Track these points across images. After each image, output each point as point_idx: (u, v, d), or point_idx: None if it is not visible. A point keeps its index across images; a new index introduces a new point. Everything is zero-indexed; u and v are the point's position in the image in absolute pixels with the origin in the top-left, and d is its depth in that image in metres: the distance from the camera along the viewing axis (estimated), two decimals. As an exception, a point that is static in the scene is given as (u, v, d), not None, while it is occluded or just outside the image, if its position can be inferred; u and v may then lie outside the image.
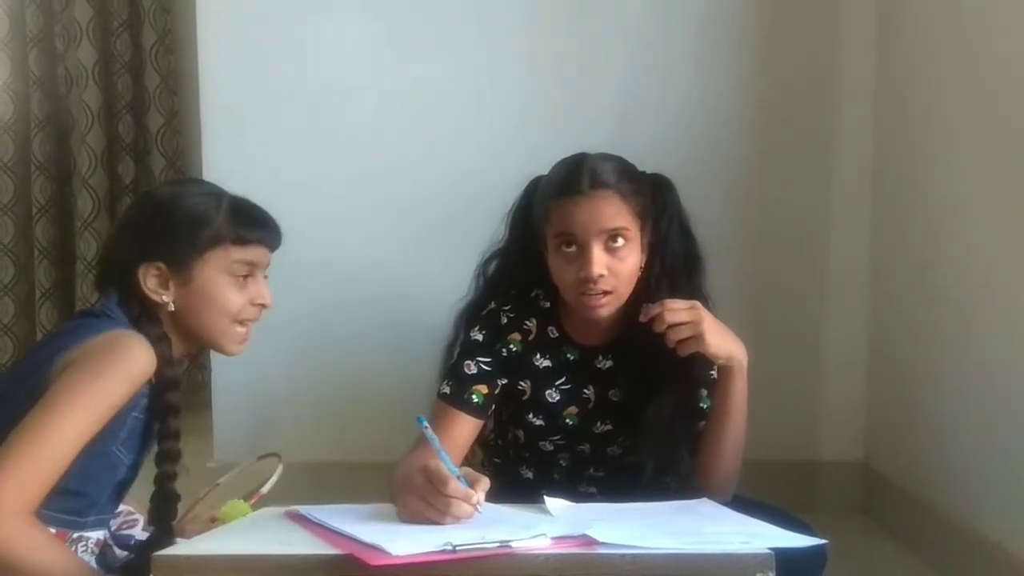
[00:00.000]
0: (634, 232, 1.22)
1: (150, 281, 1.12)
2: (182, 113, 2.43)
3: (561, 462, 1.35)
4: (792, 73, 1.86)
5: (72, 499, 1.06)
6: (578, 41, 1.84)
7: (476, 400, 1.27)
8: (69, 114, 2.45)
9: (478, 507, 0.97)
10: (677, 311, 1.18)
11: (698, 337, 1.17)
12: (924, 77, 1.68)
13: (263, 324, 1.98)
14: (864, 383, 1.89)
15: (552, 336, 1.31)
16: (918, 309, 1.69)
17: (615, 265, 1.21)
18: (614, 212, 1.20)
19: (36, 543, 0.98)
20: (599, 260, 1.19)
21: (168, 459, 1.13)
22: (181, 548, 0.95)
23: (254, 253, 1.15)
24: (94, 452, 1.04)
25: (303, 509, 1.03)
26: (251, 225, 1.15)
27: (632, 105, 1.84)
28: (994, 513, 1.44)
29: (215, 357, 1.89)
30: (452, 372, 1.29)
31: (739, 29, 1.84)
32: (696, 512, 1.05)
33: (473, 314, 1.33)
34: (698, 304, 1.20)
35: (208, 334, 1.15)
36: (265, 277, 1.19)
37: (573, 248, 1.22)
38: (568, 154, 1.36)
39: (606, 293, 1.21)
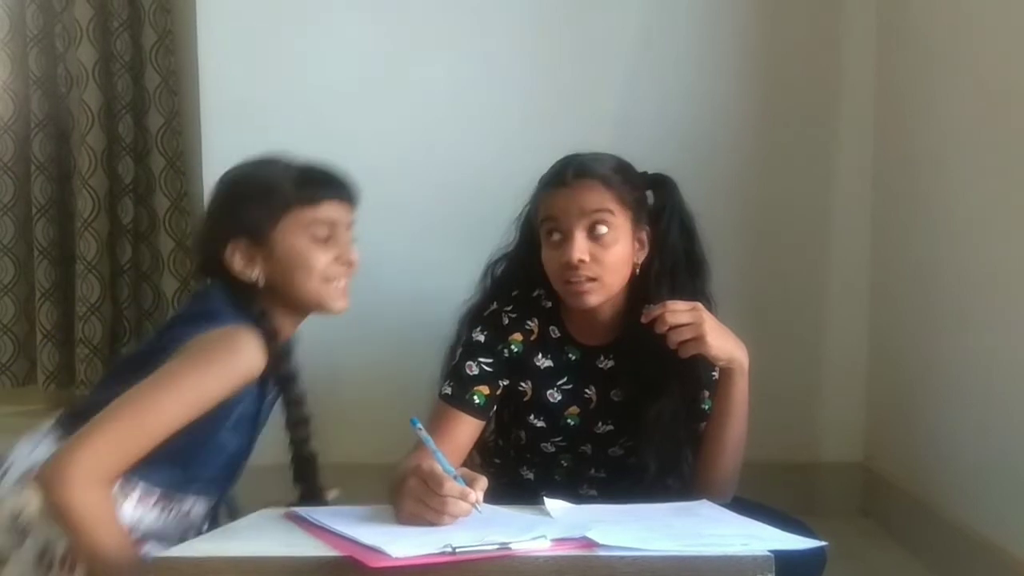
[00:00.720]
0: (620, 220, 1.23)
1: (237, 260, 1.14)
2: (182, 113, 2.42)
3: (563, 463, 1.35)
4: (793, 73, 1.86)
5: (173, 472, 1.10)
6: (579, 42, 1.84)
7: (478, 401, 1.27)
8: (69, 114, 2.44)
9: (477, 506, 0.97)
10: (678, 312, 1.18)
11: (699, 339, 1.17)
12: (925, 77, 1.68)
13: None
14: (864, 384, 1.89)
15: (554, 336, 1.31)
16: (918, 310, 1.69)
17: (598, 252, 1.21)
18: (596, 198, 1.22)
19: (96, 515, 1.01)
20: (580, 246, 1.21)
21: (298, 424, 1.21)
22: (182, 550, 0.95)
23: (328, 211, 1.16)
24: (197, 437, 1.08)
25: (303, 510, 1.03)
26: (317, 184, 1.16)
27: (633, 105, 1.84)
28: (994, 515, 1.44)
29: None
30: (453, 373, 1.29)
31: (740, 29, 1.84)
32: (696, 514, 1.05)
33: (476, 315, 1.33)
34: (699, 305, 1.20)
35: (305, 299, 1.17)
36: (351, 235, 1.21)
37: (557, 236, 1.23)
38: (570, 148, 1.36)
39: (590, 280, 1.22)
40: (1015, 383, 1.38)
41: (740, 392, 1.24)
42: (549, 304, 1.32)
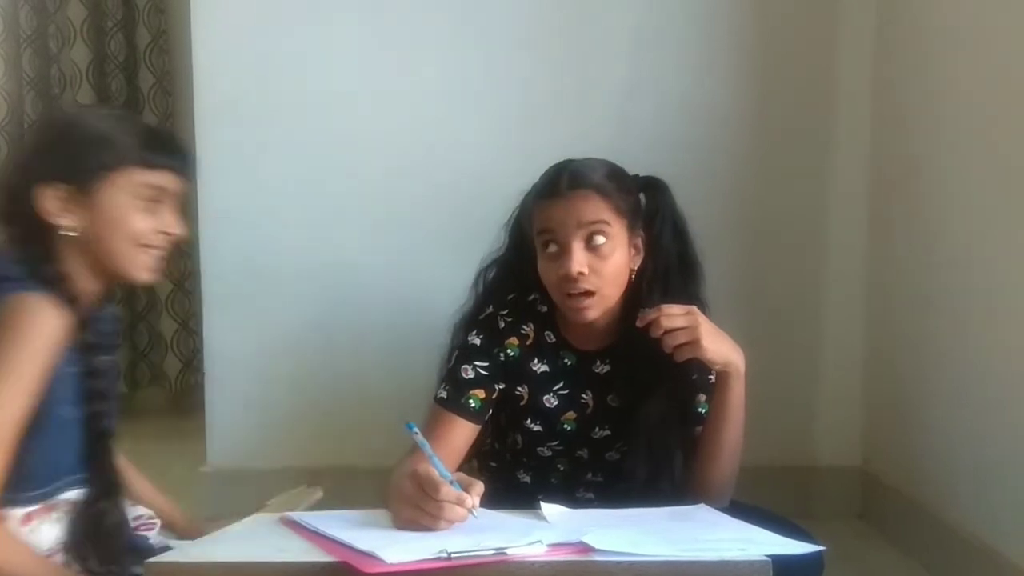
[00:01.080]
0: (616, 229, 1.21)
1: (49, 203, 1.05)
2: (176, 114, 2.42)
3: (559, 467, 1.35)
4: (790, 75, 1.86)
5: (34, 473, 1.02)
6: (576, 44, 1.84)
7: (473, 405, 1.26)
8: (63, 115, 2.44)
9: (473, 511, 0.96)
10: (674, 316, 1.17)
11: (695, 343, 1.16)
12: (922, 79, 1.68)
13: (260, 326, 1.98)
14: (861, 388, 1.89)
15: (550, 341, 1.31)
16: (916, 313, 1.69)
17: (596, 264, 1.20)
18: (592, 209, 1.20)
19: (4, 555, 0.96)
20: (578, 258, 1.19)
21: (91, 398, 1.06)
22: (175, 555, 0.94)
23: (162, 178, 1.10)
24: (36, 422, 1.00)
25: (298, 515, 1.02)
26: (161, 149, 1.10)
27: (630, 107, 1.84)
28: (992, 518, 1.43)
29: (209, 361, 1.88)
30: (449, 376, 1.28)
31: (737, 31, 1.84)
32: (693, 519, 1.04)
33: (471, 320, 1.33)
34: (695, 309, 1.19)
35: (113, 260, 1.09)
36: (175, 208, 1.13)
37: (554, 248, 1.22)
38: (565, 157, 1.36)
39: (589, 294, 1.20)
40: (1012, 387, 1.38)
41: (736, 396, 1.23)
42: (544, 309, 1.32)
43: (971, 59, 1.51)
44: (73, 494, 1.06)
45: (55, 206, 1.05)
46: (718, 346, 1.18)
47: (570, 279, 1.19)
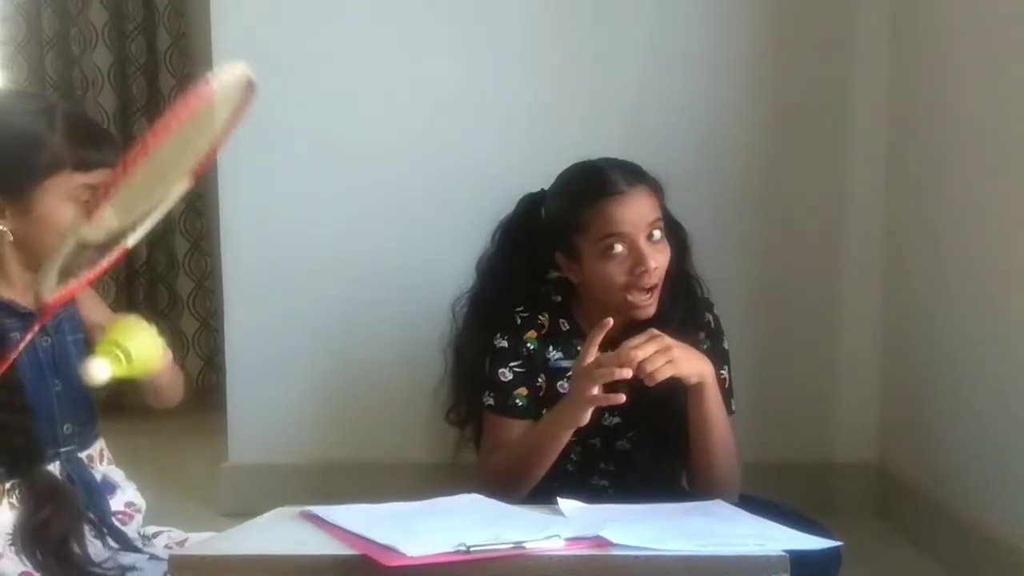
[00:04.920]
0: (663, 223, 1.28)
1: None
2: (196, 116, 2.44)
3: (572, 456, 1.36)
4: (805, 74, 1.85)
5: None
6: (589, 43, 1.84)
7: (520, 404, 1.31)
8: (85, 117, 2.47)
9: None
10: (643, 346, 1.16)
11: (672, 363, 1.17)
12: (938, 76, 1.67)
13: (281, 324, 2.00)
14: (879, 384, 1.88)
15: (564, 329, 1.34)
16: (933, 309, 1.68)
17: (660, 259, 1.25)
18: (651, 205, 1.26)
19: None
20: (652, 253, 1.23)
21: (1, 410, 1.02)
22: (197, 548, 0.95)
23: (97, 177, 1.05)
24: None
25: (318, 509, 1.03)
26: (94, 147, 1.06)
27: (643, 106, 1.84)
28: (1011, 516, 1.43)
29: (231, 358, 1.90)
30: (490, 383, 1.33)
31: (751, 29, 1.84)
32: (710, 514, 1.04)
33: (483, 317, 1.37)
34: (655, 331, 1.18)
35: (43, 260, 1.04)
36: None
37: (620, 248, 1.24)
38: (579, 156, 1.39)
39: (651, 290, 1.25)
40: (1032, 383, 1.37)
41: (714, 403, 1.25)
42: (559, 298, 1.35)
43: (987, 57, 1.50)
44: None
45: None
46: (689, 362, 1.20)
47: (648, 274, 1.23)
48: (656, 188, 1.29)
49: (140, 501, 1.20)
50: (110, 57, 2.40)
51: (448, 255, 1.85)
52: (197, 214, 2.44)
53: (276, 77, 1.87)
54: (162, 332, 1.24)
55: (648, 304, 1.25)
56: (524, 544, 0.88)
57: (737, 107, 1.84)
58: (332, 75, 1.86)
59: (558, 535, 0.90)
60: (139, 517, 1.19)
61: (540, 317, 1.33)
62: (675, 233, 1.34)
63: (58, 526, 1.02)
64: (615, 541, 0.89)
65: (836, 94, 1.85)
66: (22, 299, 1.08)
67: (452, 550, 0.86)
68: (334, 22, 1.86)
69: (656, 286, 1.25)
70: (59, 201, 1.04)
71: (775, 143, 1.85)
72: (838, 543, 0.96)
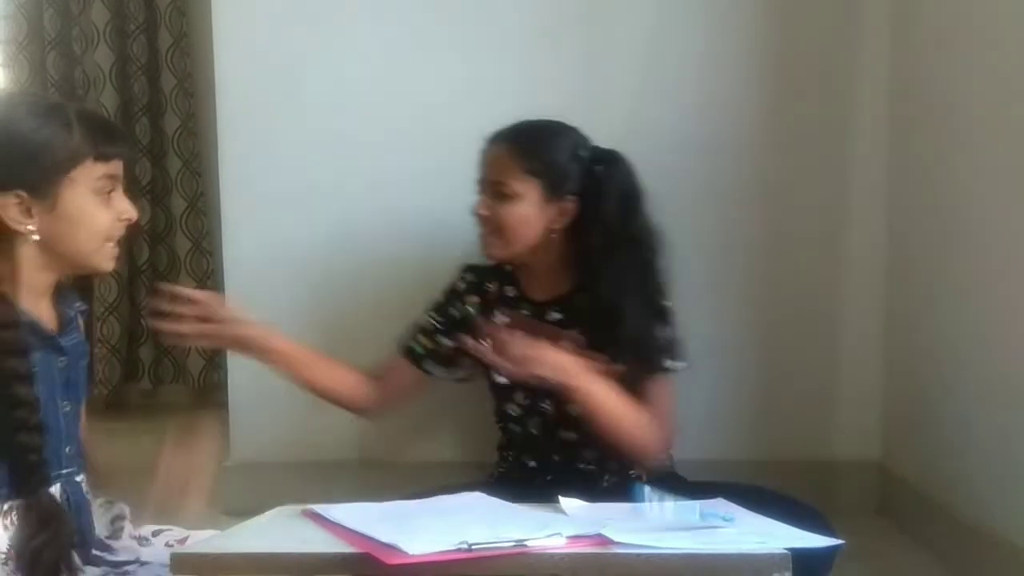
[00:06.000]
0: (522, 186, 1.38)
1: (11, 212, 1.03)
2: (198, 115, 2.45)
3: (532, 430, 1.44)
4: (807, 73, 1.85)
5: None
6: (592, 43, 1.84)
7: (417, 349, 1.48)
8: (87, 117, 2.47)
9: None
10: (513, 344, 1.28)
11: (535, 363, 1.28)
12: (940, 75, 1.67)
13: (282, 324, 2.00)
14: (880, 382, 1.88)
15: (509, 295, 1.48)
16: (935, 308, 1.68)
17: (497, 211, 1.39)
18: (500, 165, 1.41)
19: None
20: (482, 201, 1.42)
21: (18, 430, 1.01)
22: (199, 546, 0.96)
23: (115, 167, 1.09)
24: None
25: (319, 508, 1.03)
26: (109, 138, 1.09)
27: (645, 106, 1.84)
28: (1012, 514, 1.43)
29: (231, 357, 1.91)
30: (412, 323, 1.48)
31: (753, 29, 1.84)
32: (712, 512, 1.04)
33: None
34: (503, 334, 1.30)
35: (80, 257, 1.08)
36: (124, 192, 1.12)
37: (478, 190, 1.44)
38: None
39: (492, 233, 1.41)
40: (1033, 381, 1.37)
41: (590, 397, 1.31)
42: (509, 268, 1.47)
43: (990, 54, 1.50)
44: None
45: (16, 214, 1.03)
46: (550, 364, 1.28)
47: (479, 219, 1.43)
48: (522, 155, 1.40)
49: (123, 509, 1.19)
50: (112, 56, 2.40)
51: (453, 257, 1.86)
52: (199, 213, 2.44)
53: (277, 76, 1.87)
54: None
55: (483, 243, 1.43)
56: (526, 542, 0.88)
57: (737, 106, 1.84)
58: (333, 74, 1.86)
59: (559, 533, 0.90)
60: (127, 524, 1.18)
61: (489, 284, 1.48)
62: (629, 232, 1.40)
63: (53, 552, 1.01)
64: (616, 539, 0.89)
65: (837, 93, 1.85)
66: (44, 308, 1.10)
67: (454, 548, 0.86)
68: (334, 21, 1.86)
69: (494, 233, 1.41)
70: (83, 194, 1.06)
71: (776, 142, 1.85)
72: (839, 541, 0.96)
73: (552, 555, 0.88)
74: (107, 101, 2.40)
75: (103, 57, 2.39)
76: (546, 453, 1.45)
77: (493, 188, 1.41)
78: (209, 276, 2.50)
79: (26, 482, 1.02)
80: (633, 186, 1.42)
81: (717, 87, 1.84)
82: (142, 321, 2.47)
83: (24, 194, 1.03)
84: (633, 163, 1.46)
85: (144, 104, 2.45)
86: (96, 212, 1.07)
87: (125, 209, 1.10)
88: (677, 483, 1.41)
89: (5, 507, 1.01)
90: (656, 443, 1.37)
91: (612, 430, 1.33)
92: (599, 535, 0.91)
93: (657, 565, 0.87)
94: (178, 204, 2.43)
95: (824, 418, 1.89)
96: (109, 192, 1.08)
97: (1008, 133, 1.44)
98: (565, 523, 0.97)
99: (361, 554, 0.87)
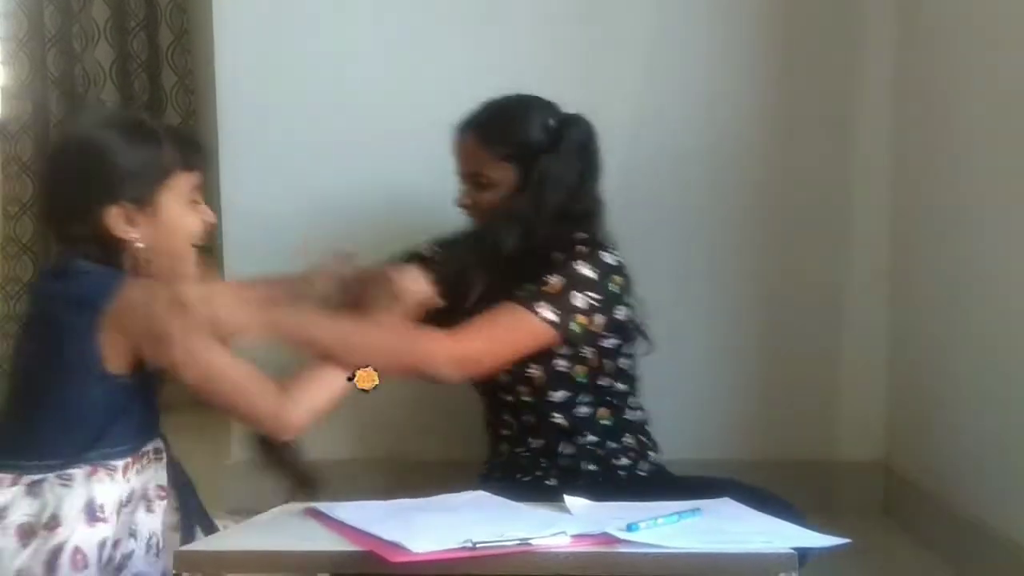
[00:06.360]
0: (500, 174, 1.39)
1: (118, 223, 1.14)
2: (199, 112, 2.44)
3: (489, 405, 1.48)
4: (812, 69, 1.84)
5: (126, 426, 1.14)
6: (597, 37, 1.83)
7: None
8: (87, 114, 2.46)
9: None
10: None
11: None
12: (946, 70, 1.66)
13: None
14: (884, 381, 1.87)
15: None
16: (939, 307, 1.68)
17: (480, 199, 1.42)
18: (473, 159, 1.42)
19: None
20: (465, 192, 1.45)
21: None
22: (204, 544, 0.95)
23: (199, 176, 1.21)
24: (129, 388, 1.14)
25: (323, 506, 1.03)
26: (194, 149, 1.22)
27: (649, 102, 1.83)
28: (1016, 513, 1.42)
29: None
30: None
31: (758, 24, 1.83)
32: (718, 512, 1.04)
33: None
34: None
35: (175, 260, 1.19)
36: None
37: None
38: None
39: (480, 220, 1.46)
40: (1039, 380, 1.36)
41: (313, 341, 1.24)
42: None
43: (996, 49, 1.49)
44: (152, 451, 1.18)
45: (123, 224, 1.14)
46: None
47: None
48: (486, 141, 1.40)
49: None
50: (112, 54, 2.39)
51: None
52: (199, 211, 2.44)
53: (278, 74, 1.87)
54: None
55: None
56: (530, 541, 0.87)
57: (742, 104, 1.83)
58: (334, 71, 1.86)
59: (564, 532, 0.90)
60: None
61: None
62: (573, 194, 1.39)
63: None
64: (622, 538, 0.89)
65: (842, 91, 1.84)
66: None
67: (458, 546, 0.86)
68: (335, 19, 1.85)
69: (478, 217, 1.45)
70: (178, 202, 1.18)
71: (780, 139, 1.84)
72: (846, 541, 0.96)
73: (557, 554, 0.87)
74: (107, 98, 2.39)
75: (103, 54, 2.38)
76: (521, 441, 1.43)
77: (471, 179, 1.42)
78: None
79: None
80: (587, 153, 1.42)
81: (720, 84, 1.83)
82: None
83: (128, 205, 1.14)
84: (594, 130, 1.46)
85: (144, 101, 2.44)
86: (188, 217, 1.19)
87: (208, 214, 1.23)
88: (659, 480, 1.41)
89: (123, 462, 1.13)
90: (444, 359, 1.27)
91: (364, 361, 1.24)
92: (604, 534, 0.90)
93: (663, 564, 0.86)
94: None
95: (828, 418, 1.89)
96: (196, 201, 1.21)
97: (1012, 133, 1.43)
98: (570, 522, 0.96)
99: (365, 552, 0.87)
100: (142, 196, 1.15)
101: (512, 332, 1.29)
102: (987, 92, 1.52)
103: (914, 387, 1.79)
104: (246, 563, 0.89)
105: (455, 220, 1.85)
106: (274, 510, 1.08)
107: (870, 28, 1.83)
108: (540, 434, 1.41)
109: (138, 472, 1.14)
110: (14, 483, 1.09)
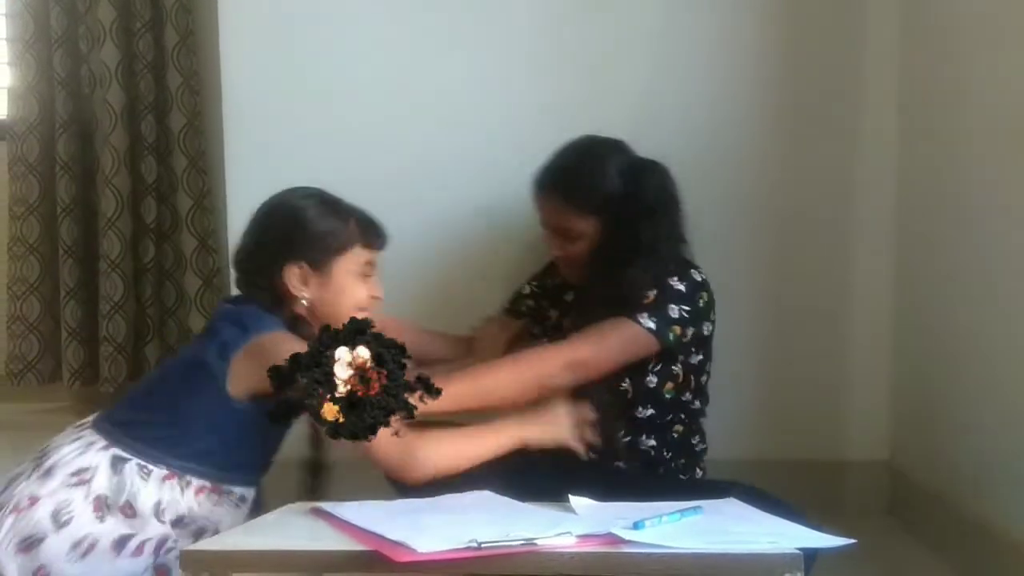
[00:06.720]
0: (587, 227, 1.43)
1: (294, 281, 1.29)
2: (204, 113, 2.44)
3: None
4: (816, 70, 1.84)
5: (224, 461, 1.23)
6: (599, 38, 1.84)
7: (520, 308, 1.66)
8: (92, 115, 2.47)
9: None
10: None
11: None
12: (949, 71, 1.66)
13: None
14: (889, 382, 1.87)
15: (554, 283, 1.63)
16: (944, 307, 1.68)
17: (570, 249, 1.46)
18: (559, 216, 1.46)
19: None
20: (554, 243, 1.49)
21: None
22: (210, 543, 0.96)
23: (376, 256, 1.36)
24: (254, 427, 1.22)
25: (328, 505, 1.03)
26: (376, 233, 1.36)
27: (653, 102, 1.83)
28: (1021, 514, 1.42)
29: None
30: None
31: (762, 25, 1.83)
32: (723, 512, 1.04)
33: None
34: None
35: (335, 323, 1.21)
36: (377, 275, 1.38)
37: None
38: None
39: (569, 266, 1.52)
40: (1045, 380, 1.36)
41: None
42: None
43: (999, 50, 1.49)
44: (242, 494, 1.26)
45: (296, 281, 1.29)
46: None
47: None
48: (567, 200, 1.45)
49: None
50: (118, 54, 2.39)
51: (457, 256, 1.86)
52: (205, 211, 2.44)
53: (284, 74, 1.87)
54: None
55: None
56: (535, 541, 0.88)
57: (745, 105, 1.83)
58: (338, 72, 1.86)
59: (570, 532, 0.90)
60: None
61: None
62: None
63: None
64: (627, 538, 0.89)
65: (845, 92, 1.84)
66: None
67: (463, 546, 0.86)
68: (342, 18, 1.85)
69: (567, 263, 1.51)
70: (350, 273, 1.32)
71: (784, 141, 1.84)
72: (851, 541, 0.96)
73: (562, 554, 0.87)
74: (113, 99, 2.39)
75: (109, 55, 2.38)
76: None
77: (560, 233, 1.47)
78: (215, 274, 2.49)
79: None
80: (667, 189, 1.46)
81: (724, 86, 1.83)
82: (148, 319, 2.47)
83: (306, 266, 1.29)
84: (668, 171, 1.49)
85: (150, 102, 2.44)
86: (357, 288, 1.33)
87: (376, 289, 1.36)
88: (664, 479, 1.45)
89: (199, 483, 1.20)
90: (558, 366, 1.36)
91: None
92: (609, 534, 0.90)
93: (668, 564, 0.86)
94: (184, 202, 2.43)
95: (833, 418, 1.89)
96: (368, 275, 1.34)
97: (1016, 132, 1.43)
98: (575, 522, 0.96)
99: (370, 551, 0.87)
100: (320, 260, 1.29)
101: (617, 339, 1.37)
102: (991, 92, 1.51)
103: (919, 387, 1.79)
104: (252, 562, 0.89)
105: (459, 222, 1.86)
106: (280, 509, 1.08)
107: (875, 28, 1.82)
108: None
109: (212, 503, 1.21)
110: (105, 448, 1.19)
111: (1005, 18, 1.47)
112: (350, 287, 1.32)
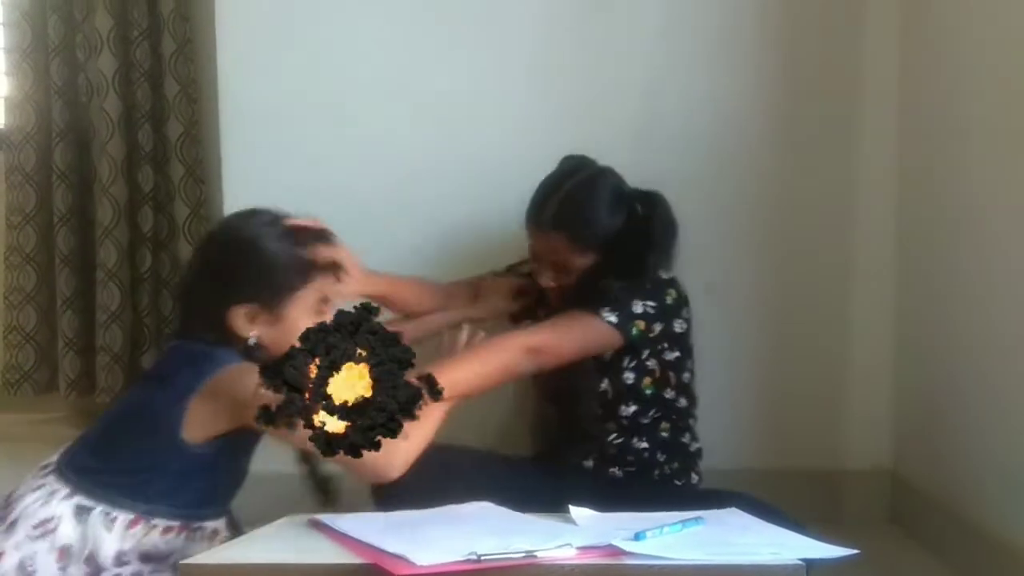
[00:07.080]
0: (582, 260, 1.44)
1: (239, 321, 1.18)
2: (201, 122, 2.43)
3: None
4: (815, 72, 1.84)
5: (197, 499, 1.18)
6: (599, 41, 1.84)
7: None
8: (90, 123, 2.46)
9: None
10: None
11: None
12: (949, 73, 1.66)
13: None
14: (891, 390, 1.87)
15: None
16: (946, 314, 1.67)
17: (563, 279, 1.47)
18: (555, 251, 1.46)
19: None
20: (547, 275, 1.49)
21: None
22: (208, 556, 0.95)
23: (334, 287, 1.24)
24: (226, 465, 1.19)
25: (326, 518, 1.02)
26: (332, 269, 1.24)
27: (653, 105, 1.83)
28: (1025, 522, 1.41)
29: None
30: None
31: (761, 28, 1.83)
32: (724, 522, 1.03)
33: None
34: None
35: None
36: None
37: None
38: (590, 154, 1.50)
39: (559, 296, 1.52)
40: (1047, 387, 1.35)
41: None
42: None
43: (998, 53, 1.49)
44: (213, 526, 1.21)
45: (244, 323, 1.18)
46: None
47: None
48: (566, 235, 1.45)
49: None
50: (115, 63, 2.38)
51: (456, 261, 1.85)
52: (202, 220, 2.43)
53: (281, 82, 1.87)
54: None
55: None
56: (535, 553, 0.87)
57: (745, 105, 1.83)
58: (337, 79, 1.86)
59: (570, 544, 0.89)
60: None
61: None
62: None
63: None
64: (627, 550, 0.88)
65: (845, 93, 1.84)
66: None
67: (463, 559, 0.85)
68: (339, 25, 1.85)
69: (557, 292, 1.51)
70: (304, 310, 1.19)
71: (784, 143, 1.84)
72: (854, 551, 0.95)
73: (562, 566, 0.87)
74: (110, 108, 2.39)
75: (106, 64, 2.38)
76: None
77: (556, 267, 1.47)
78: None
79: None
80: (659, 217, 1.47)
81: (724, 86, 1.83)
82: (144, 329, 2.46)
83: (255, 307, 1.17)
84: (640, 171, 1.48)
85: (147, 110, 2.43)
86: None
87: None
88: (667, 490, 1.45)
89: (165, 523, 1.15)
90: (519, 351, 1.37)
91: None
92: (610, 546, 0.89)
93: (669, 576, 0.85)
94: (181, 211, 2.41)
95: (835, 426, 1.88)
96: (322, 312, 1.19)
97: (1017, 133, 1.43)
98: (575, 533, 0.96)
99: (369, 565, 0.86)
100: (270, 300, 1.18)
101: (579, 329, 1.40)
102: (992, 93, 1.51)
103: (921, 395, 1.78)
104: (250, 575, 0.88)
105: (459, 225, 1.86)
106: (278, 522, 1.07)
107: (874, 29, 1.82)
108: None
109: (183, 540, 1.16)
110: (68, 497, 1.14)
111: (1005, 18, 1.47)
112: (304, 325, 1.20)
